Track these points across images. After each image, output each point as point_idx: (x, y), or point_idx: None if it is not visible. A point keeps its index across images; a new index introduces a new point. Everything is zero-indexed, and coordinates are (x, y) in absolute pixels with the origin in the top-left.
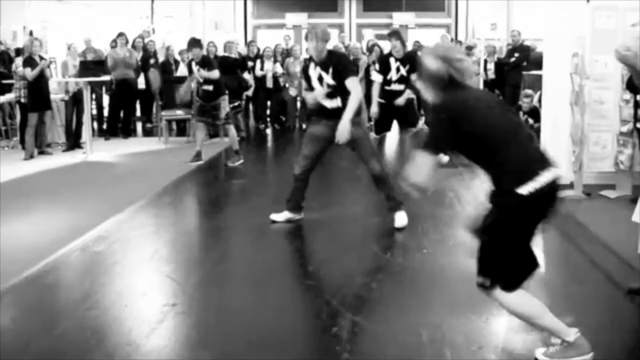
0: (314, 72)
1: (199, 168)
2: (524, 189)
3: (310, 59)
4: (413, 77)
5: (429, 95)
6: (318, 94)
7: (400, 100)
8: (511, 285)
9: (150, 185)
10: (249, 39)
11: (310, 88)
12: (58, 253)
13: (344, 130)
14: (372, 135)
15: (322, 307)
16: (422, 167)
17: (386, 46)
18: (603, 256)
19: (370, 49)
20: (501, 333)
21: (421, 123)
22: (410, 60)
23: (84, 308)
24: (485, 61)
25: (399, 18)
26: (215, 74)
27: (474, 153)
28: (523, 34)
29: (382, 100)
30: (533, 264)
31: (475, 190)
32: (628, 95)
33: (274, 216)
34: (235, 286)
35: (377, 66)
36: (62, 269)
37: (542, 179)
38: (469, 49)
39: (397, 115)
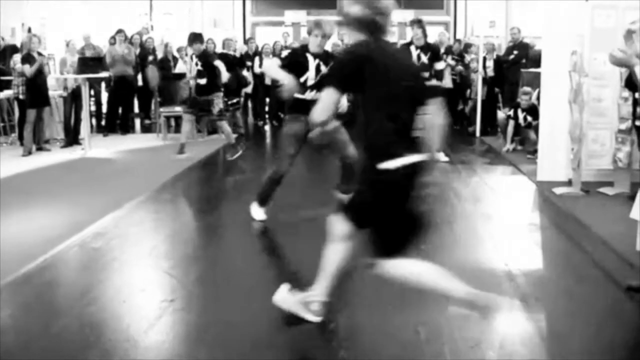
0: (313, 62)
1: (197, 164)
2: (387, 165)
3: (304, 50)
4: (438, 65)
5: (349, 39)
6: (293, 86)
7: None
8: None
9: (148, 182)
10: (248, 36)
11: (296, 76)
12: (56, 249)
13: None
14: None
15: (322, 305)
16: (324, 103)
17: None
18: (601, 253)
19: None
20: (499, 330)
21: None
22: (431, 48)
23: (83, 304)
24: (485, 59)
25: (398, 15)
26: (224, 75)
27: (364, 104)
28: (522, 31)
29: None
30: (411, 231)
31: (473, 187)
32: (627, 93)
33: (256, 215)
34: (233, 282)
35: None
36: (60, 265)
37: (403, 160)
38: (468, 46)
39: None
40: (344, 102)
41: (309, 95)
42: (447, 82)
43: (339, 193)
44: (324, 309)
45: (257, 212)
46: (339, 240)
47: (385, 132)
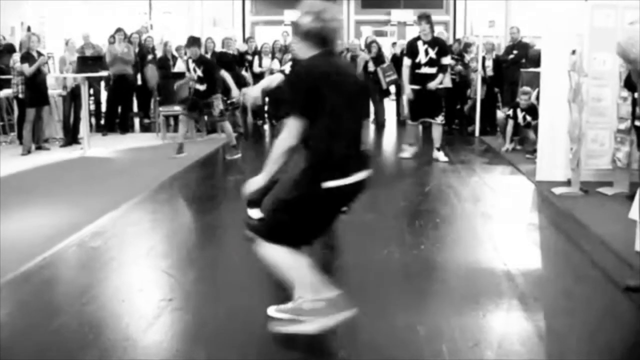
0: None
1: (196, 164)
2: (332, 184)
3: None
4: (444, 60)
5: (301, 52)
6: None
7: (432, 85)
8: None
9: (147, 181)
10: (247, 35)
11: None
12: (55, 248)
13: None
14: (409, 122)
15: None
16: (291, 131)
17: (385, 42)
18: (600, 253)
19: (368, 46)
20: (498, 329)
21: (440, 118)
22: (439, 43)
23: (81, 303)
24: (484, 58)
25: (397, 15)
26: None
27: (314, 123)
28: (521, 31)
29: (415, 86)
30: (309, 237)
31: (472, 187)
32: (626, 93)
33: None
34: (231, 282)
35: (405, 50)
36: (59, 265)
37: (351, 179)
38: (467, 46)
39: (428, 101)
40: None
41: None
42: (447, 81)
43: None
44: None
45: (255, 212)
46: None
47: (336, 148)
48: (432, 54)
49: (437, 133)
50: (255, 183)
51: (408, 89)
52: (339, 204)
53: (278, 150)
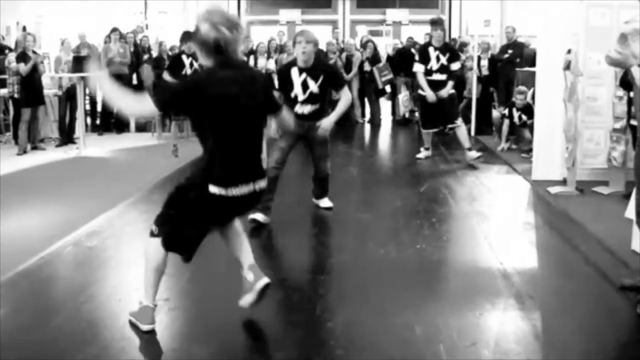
0: (298, 78)
1: (190, 163)
2: (217, 191)
3: (292, 64)
4: (453, 66)
5: (201, 60)
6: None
7: (443, 92)
8: (169, 245)
9: (143, 181)
10: (243, 34)
11: (287, 94)
12: (51, 248)
13: (328, 125)
14: (422, 130)
15: (316, 302)
16: (140, 105)
17: (380, 42)
18: (596, 252)
19: (364, 45)
20: (495, 329)
21: (460, 120)
22: (450, 49)
23: (79, 302)
24: (479, 58)
25: (393, 14)
26: None
27: (199, 130)
28: (517, 30)
29: (425, 93)
30: (195, 241)
31: (468, 186)
32: (621, 92)
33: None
34: (228, 281)
35: (417, 56)
36: (55, 264)
37: (240, 190)
38: (463, 45)
39: (441, 108)
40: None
41: (300, 109)
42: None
43: (314, 198)
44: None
45: (256, 215)
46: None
47: (222, 158)
48: (444, 60)
49: (461, 135)
50: None
51: (430, 93)
52: (226, 211)
53: (125, 107)
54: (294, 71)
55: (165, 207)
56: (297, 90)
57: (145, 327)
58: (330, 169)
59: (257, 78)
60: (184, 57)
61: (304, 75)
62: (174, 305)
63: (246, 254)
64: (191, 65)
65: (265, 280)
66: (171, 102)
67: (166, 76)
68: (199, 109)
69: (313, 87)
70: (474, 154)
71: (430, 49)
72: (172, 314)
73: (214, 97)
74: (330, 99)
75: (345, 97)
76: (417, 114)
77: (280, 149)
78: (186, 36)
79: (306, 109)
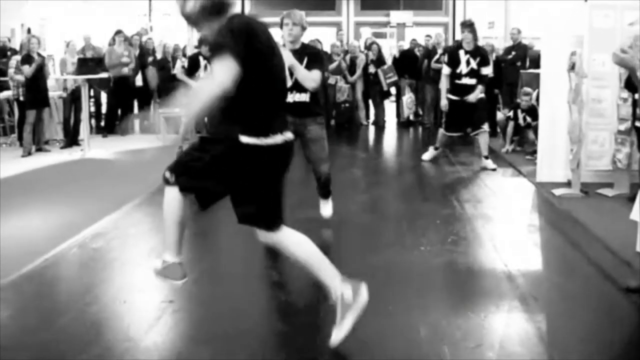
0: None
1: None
2: (256, 140)
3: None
4: (484, 70)
5: (208, 31)
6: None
7: (472, 97)
8: (185, 187)
9: (147, 183)
10: None
11: None
12: (56, 250)
13: (290, 59)
14: (442, 131)
15: (320, 304)
16: (218, 74)
17: (384, 44)
18: (601, 254)
19: (369, 47)
20: (499, 330)
21: (486, 126)
22: (481, 53)
23: (83, 304)
24: None
25: (397, 16)
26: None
27: (242, 81)
28: (521, 32)
29: (454, 97)
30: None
31: (472, 188)
32: (626, 94)
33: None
34: (232, 283)
35: (445, 58)
36: (60, 266)
37: (274, 139)
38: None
39: (468, 113)
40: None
41: (289, 98)
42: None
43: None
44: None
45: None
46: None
47: (262, 110)
48: (474, 64)
49: (483, 141)
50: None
51: (445, 99)
52: (259, 164)
53: (210, 91)
54: None
55: (186, 155)
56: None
57: (179, 282)
58: (330, 168)
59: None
60: (200, 58)
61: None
62: (178, 306)
63: (325, 268)
64: (205, 67)
65: (363, 285)
66: (237, 47)
67: (182, 76)
68: (250, 52)
69: None
70: (490, 164)
71: (461, 52)
72: (177, 315)
73: (263, 43)
74: (334, 102)
75: (313, 75)
76: (421, 116)
77: None
78: (205, 39)
79: (295, 97)
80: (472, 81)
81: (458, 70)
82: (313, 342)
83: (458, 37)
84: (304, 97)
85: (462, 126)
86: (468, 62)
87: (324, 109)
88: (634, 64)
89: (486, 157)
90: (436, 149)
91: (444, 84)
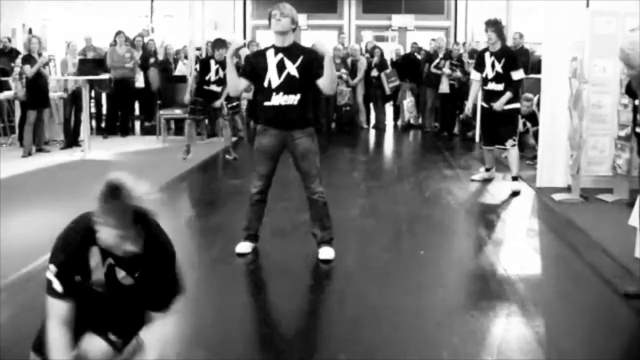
0: (273, 58)
1: (196, 167)
2: None
3: (268, 47)
4: (515, 75)
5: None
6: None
7: (496, 105)
8: None
9: (147, 184)
10: (248, 39)
11: (258, 83)
12: None
13: (321, 47)
14: (482, 147)
15: (319, 307)
16: None
17: (386, 48)
18: (600, 260)
19: (371, 51)
20: (498, 335)
21: (511, 142)
22: (508, 55)
23: None
24: None
25: (398, 20)
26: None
27: None
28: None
29: (485, 104)
30: None
31: (472, 192)
32: (626, 100)
33: (239, 248)
34: (232, 285)
35: (473, 62)
36: None
37: None
38: (474, 52)
39: (494, 124)
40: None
41: (275, 100)
42: (444, 87)
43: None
44: None
45: (241, 246)
46: None
47: None
48: (499, 67)
49: (511, 159)
50: None
51: (470, 105)
52: None
53: None
54: (269, 53)
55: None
56: (271, 73)
57: None
58: (321, 186)
59: None
60: (212, 62)
61: (280, 55)
62: (178, 307)
63: None
64: (217, 72)
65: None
66: None
67: (192, 81)
68: None
69: (291, 68)
70: (516, 185)
71: (486, 55)
72: (176, 317)
73: None
74: (335, 105)
75: (329, 88)
76: (420, 120)
77: (260, 176)
78: (218, 43)
79: (282, 100)
80: (499, 86)
81: (484, 75)
82: (312, 344)
83: (460, 40)
84: (292, 100)
85: (490, 139)
86: (493, 65)
87: (314, 115)
88: (636, 63)
89: (514, 178)
90: (487, 169)
91: (472, 91)
